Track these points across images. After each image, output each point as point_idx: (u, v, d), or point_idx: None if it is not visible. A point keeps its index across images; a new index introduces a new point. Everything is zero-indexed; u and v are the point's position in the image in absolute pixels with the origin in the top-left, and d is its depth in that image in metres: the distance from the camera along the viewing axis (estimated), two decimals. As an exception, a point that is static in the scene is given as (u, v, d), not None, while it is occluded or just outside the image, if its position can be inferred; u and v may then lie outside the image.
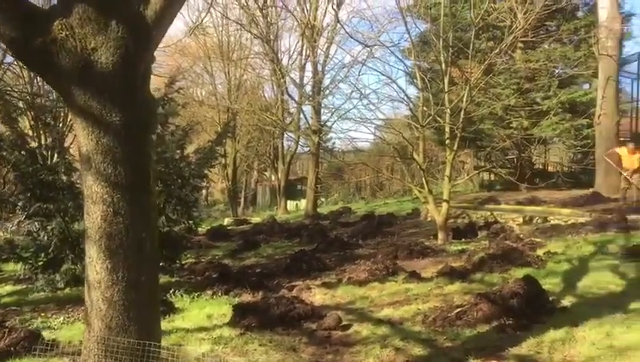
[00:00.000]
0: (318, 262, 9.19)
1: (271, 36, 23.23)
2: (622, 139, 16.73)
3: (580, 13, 22.56)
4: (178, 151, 9.28)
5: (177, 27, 39.79)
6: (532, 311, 5.33)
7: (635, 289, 5.99)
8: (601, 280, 6.44)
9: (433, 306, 6.10)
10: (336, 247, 10.91)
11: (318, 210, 23.14)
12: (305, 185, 25.87)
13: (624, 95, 22.23)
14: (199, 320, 6.32)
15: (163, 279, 8.86)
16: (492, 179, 24.32)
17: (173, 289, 7.71)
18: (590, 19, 19.60)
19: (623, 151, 13.43)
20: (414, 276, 7.57)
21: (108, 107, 2.98)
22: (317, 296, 7.29)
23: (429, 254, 9.43)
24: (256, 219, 22.03)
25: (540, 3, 12.04)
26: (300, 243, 12.51)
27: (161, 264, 8.85)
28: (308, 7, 21.85)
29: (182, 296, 7.49)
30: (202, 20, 17.10)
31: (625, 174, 13.07)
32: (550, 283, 6.42)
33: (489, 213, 12.69)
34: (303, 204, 26.74)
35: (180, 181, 8.72)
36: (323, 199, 30.30)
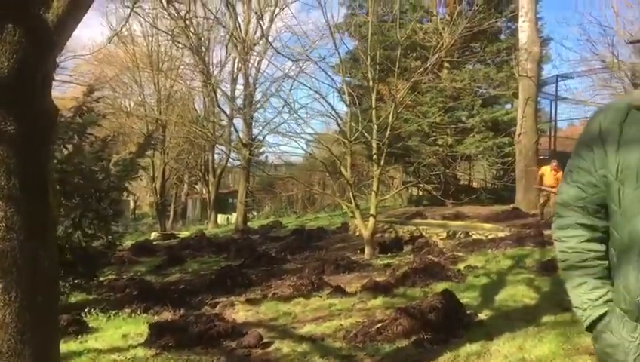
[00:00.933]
0: (244, 278, 9.03)
1: (202, 48, 22.95)
2: (541, 157, 17.55)
3: (502, 36, 23.66)
4: (101, 163, 8.92)
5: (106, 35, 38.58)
6: (450, 325, 5.41)
7: (547, 302, 6.21)
8: (517, 293, 6.64)
9: (355, 321, 6.09)
10: (264, 262, 10.78)
11: (249, 224, 22.93)
12: (236, 199, 25.60)
13: (543, 115, 23.39)
14: (114, 340, 6.03)
15: (79, 297, 8.47)
16: (420, 194, 24.93)
17: (88, 308, 7.33)
18: (511, 42, 20.55)
19: (546, 169, 14.08)
20: (339, 291, 7.56)
21: (2, 115, 2.78)
22: (240, 312, 7.14)
23: (355, 269, 9.47)
24: (184, 234, 21.57)
25: (463, 25, 12.47)
26: (228, 258, 12.29)
27: (76, 281, 8.46)
28: (240, 21, 21.77)
29: (97, 314, 7.14)
30: (121, 28, 16.61)
31: (545, 190, 13.70)
32: (469, 297, 6.56)
33: (415, 228, 12.94)
34: (234, 217, 26.43)
35: (97, 194, 8.36)
36: (254, 213, 30.08)
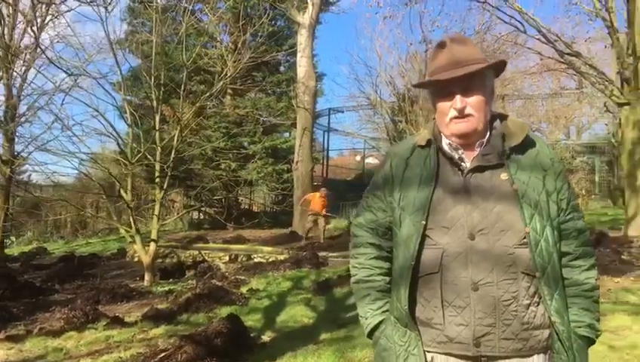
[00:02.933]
0: (4, 312, 7.99)
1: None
2: (315, 183, 18.81)
3: (282, 68, 24.97)
4: None
5: None
6: (235, 349, 5.47)
7: (324, 321, 6.64)
8: (296, 314, 6.98)
9: (136, 353, 5.80)
10: (27, 294, 9.65)
11: (7, 250, 20.35)
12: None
13: (317, 145, 25.17)
14: None
15: None
16: (201, 218, 24.79)
17: None
18: (291, 75, 21.82)
19: (315, 195, 15.18)
20: (117, 321, 7.12)
21: None
22: (-1, 352, 6.30)
23: (135, 297, 9.02)
24: None
25: (247, 54, 12.89)
26: (-21, 291, 10.74)
27: None
28: (3, 25, 19.49)
29: None
30: None
31: (311, 216, 14.81)
32: (252, 320, 6.71)
33: (197, 252, 12.82)
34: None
35: None
36: (13, 238, 26.80)
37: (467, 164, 1.74)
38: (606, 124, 21.62)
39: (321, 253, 11.60)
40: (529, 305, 1.63)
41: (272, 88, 22.46)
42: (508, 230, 1.65)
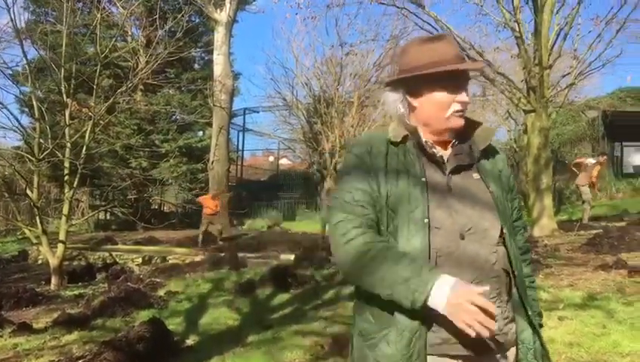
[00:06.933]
0: None
1: None
2: (231, 184, 18.56)
3: (196, 66, 24.44)
4: None
5: None
6: (159, 354, 5.26)
7: (249, 322, 6.55)
8: (220, 316, 6.83)
9: (49, 361, 5.45)
10: None
11: None
12: None
13: (232, 144, 24.85)
14: None
15: None
16: (108, 218, 23.73)
17: None
18: (206, 73, 21.38)
19: (207, 198, 15.02)
20: (25, 328, 6.63)
21: None
22: None
23: (42, 302, 8.46)
24: None
25: (163, 49, 12.44)
26: None
27: None
28: None
29: None
30: None
31: (205, 219, 14.56)
32: (174, 324, 6.48)
33: (108, 254, 12.24)
34: None
35: None
36: None
37: (446, 163, 1.75)
38: (508, 131, 22.89)
39: (240, 254, 11.44)
40: (508, 300, 1.70)
41: (186, 85, 21.93)
42: (489, 229, 1.69)
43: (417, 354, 1.57)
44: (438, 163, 1.74)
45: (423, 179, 1.68)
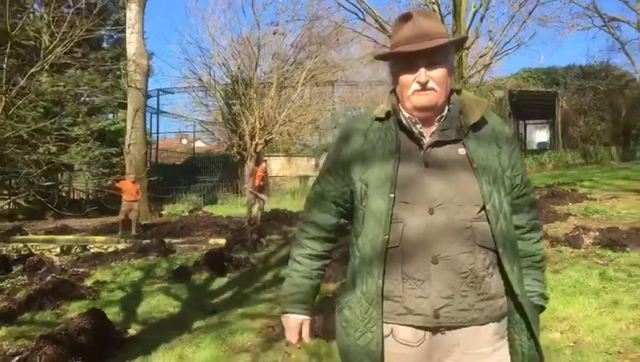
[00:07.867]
0: None
1: None
2: (148, 168, 17.89)
3: (105, 45, 23.23)
4: None
5: None
6: (103, 345, 5.02)
7: (190, 308, 6.39)
8: (159, 304, 6.60)
9: (-22, 361, 5.05)
10: None
11: None
12: None
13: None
14: None
15: None
16: (12, 208, 22.22)
17: None
18: (117, 52, 20.40)
19: (126, 182, 14.39)
20: (-59, 329, 6.11)
21: None
22: None
23: (-46, 299, 7.82)
24: None
25: (74, 30, 11.66)
26: None
27: None
28: None
29: None
30: None
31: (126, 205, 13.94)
32: (110, 313, 6.16)
33: (22, 245, 11.47)
34: None
35: None
36: None
37: (426, 139, 1.76)
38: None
39: (166, 240, 11.11)
40: (484, 276, 1.68)
41: (96, 65, 20.78)
42: (465, 204, 1.68)
43: (375, 320, 1.70)
44: (416, 139, 1.76)
45: (397, 155, 1.72)
